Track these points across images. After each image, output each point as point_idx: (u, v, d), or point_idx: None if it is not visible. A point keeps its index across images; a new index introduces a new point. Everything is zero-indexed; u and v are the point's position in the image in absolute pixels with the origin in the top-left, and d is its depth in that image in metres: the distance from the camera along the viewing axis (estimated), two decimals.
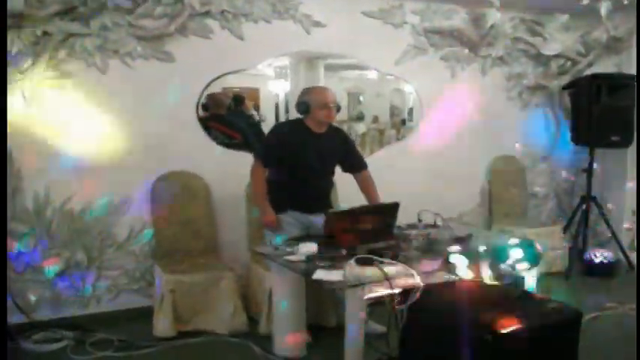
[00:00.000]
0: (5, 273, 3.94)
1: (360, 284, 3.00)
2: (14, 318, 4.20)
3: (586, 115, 5.79)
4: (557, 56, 6.21)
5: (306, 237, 3.78)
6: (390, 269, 3.11)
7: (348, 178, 4.35)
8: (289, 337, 3.77)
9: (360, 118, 11.41)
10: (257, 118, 7.21)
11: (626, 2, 4.87)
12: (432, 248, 3.56)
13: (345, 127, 6.04)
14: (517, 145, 6.36)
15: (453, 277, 3.29)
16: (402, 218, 3.82)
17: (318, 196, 4.12)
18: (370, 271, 3.08)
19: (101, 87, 4.50)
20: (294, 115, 4.23)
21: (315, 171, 4.07)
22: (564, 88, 6.17)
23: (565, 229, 6.01)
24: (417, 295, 2.99)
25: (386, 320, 3.21)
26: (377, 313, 3.63)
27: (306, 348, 3.88)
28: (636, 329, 3.82)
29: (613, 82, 5.76)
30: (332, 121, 4.14)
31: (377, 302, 3.18)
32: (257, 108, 8.09)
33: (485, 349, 2.68)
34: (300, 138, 4.04)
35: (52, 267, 4.41)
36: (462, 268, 3.29)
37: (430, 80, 5.84)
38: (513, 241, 3.66)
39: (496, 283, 3.29)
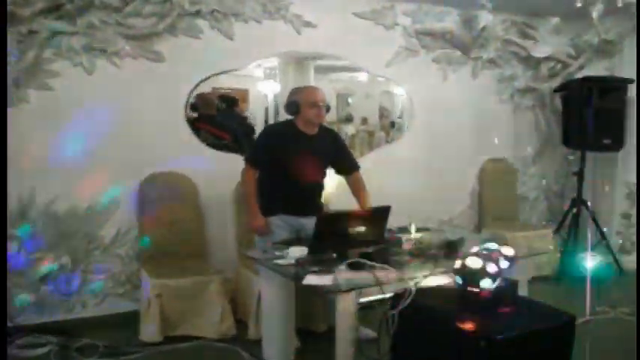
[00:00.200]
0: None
1: (351, 289, 2.94)
2: None
3: (577, 118, 5.78)
4: (547, 59, 6.23)
5: (296, 240, 3.72)
6: (382, 274, 3.05)
7: (338, 180, 4.30)
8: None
9: (348, 119, 11.41)
10: (250, 119, 7.17)
11: (620, 5, 4.86)
12: (424, 252, 3.50)
13: (334, 129, 5.97)
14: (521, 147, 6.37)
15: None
16: (393, 221, 3.76)
17: (308, 199, 4.07)
18: (362, 276, 3.03)
19: (88, 87, 4.43)
20: (284, 117, 4.18)
21: (306, 173, 4.01)
22: (555, 90, 6.17)
23: (555, 233, 5.98)
24: (409, 299, 2.94)
25: (376, 325, 3.15)
26: (367, 317, 3.57)
27: (296, 353, 3.82)
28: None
29: (604, 86, 5.75)
30: (322, 121, 4.09)
31: (367, 306, 3.13)
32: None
33: (479, 355, 2.63)
34: (291, 139, 3.98)
35: (36, 270, 4.33)
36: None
37: (421, 82, 5.82)
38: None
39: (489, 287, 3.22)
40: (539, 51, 6.13)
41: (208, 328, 4.16)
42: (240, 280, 4.54)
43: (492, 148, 6.23)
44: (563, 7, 5.67)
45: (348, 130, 10.28)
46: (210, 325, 4.16)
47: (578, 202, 5.91)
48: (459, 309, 2.87)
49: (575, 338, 2.92)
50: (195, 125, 4.98)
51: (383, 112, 12.89)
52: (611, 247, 5.87)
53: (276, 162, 3.96)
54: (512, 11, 6.03)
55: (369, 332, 3.73)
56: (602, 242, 5.87)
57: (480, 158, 6.20)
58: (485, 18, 5.79)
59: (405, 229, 3.92)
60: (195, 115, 5.30)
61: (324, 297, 3.56)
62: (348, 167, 4.25)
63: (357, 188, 4.23)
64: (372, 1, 5.46)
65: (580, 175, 5.89)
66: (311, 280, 3.03)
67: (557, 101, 6.26)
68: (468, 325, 2.70)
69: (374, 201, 4.13)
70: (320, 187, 4.19)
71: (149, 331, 4.06)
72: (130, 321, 4.30)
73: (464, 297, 2.90)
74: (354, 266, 3.12)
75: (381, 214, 3.62)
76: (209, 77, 4.93)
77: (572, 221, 5.91)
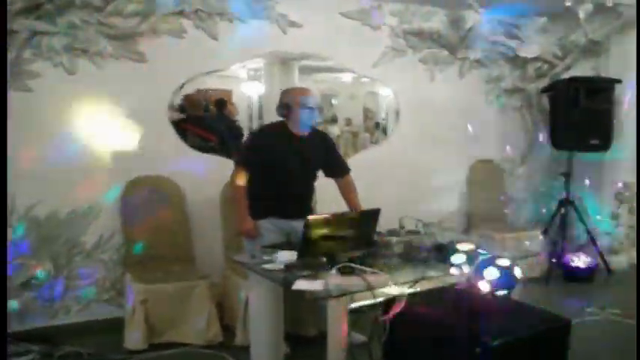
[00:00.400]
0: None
1: (343, 294, 2.87)
2: None
3: (565, 118, 5.77)
4: (534, 59, 6.23)
5: (286, 244, 3.65)
6: (373, 278, 2.99)
7: (327, 183, 4.23)
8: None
9: (333, 120, 11.40)
10: (239, 122, 7.13)
11: (610, 4, 4.85)
12: (414, 255, 3.44)
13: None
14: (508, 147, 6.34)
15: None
16: (382, 224, 3.70)
17: (299, 202, 4.00)
18: (353, 281, 2.96)
19: (69, 88, 4.34)
20: (268, 119, 4.10)
21: (296, 175, 3.95)
22: (542, 91, 6.16)
23: (544, 234, 5.96)
24: (402, 304, 2.88)
25: (367, 328, 3.10)
26: (357, 321, 3.50)
27: (285, 359, 3.75)
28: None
29: (591, 86, 5.74)
30: (315, 123, 4.04)
31: (357, 310, 3.04)
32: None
33: None
34: (281, 141, 3.92)
35: (17, 277, 4.23)
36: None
37: (409, 83, 5.79)
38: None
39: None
40: (527, 51, 6.12)
41: (195, 335, 4.09)
42: (227, 285, 4.47)
43: (480, 149, 6.22)
44: (550, 7, 5.68)
45: (333, 130, 10.27)
46: (196, 332, 4.09)
47: (566, 202, 5.89)
48: (453, 314, 2.83)
49: None
50: (181, 126, 4.89)
51: (367, 113, 12.92)
52: (598, 247, 5.85)
53: (266, 164, 3.89)
54: (498, 11, 5.98)
55: (359, 337, 3.67)
56: (590, 243, 5.85)
57: (467, 159, 6.19)
58: (472, 18, 5.77)
59: (394, 232, 3.87)
60: (182, 116, 5.22)
61: (314, 301, 3.48)
62: (338, 170, 4.19)
63: (347, 191, 4.17)
64: (359, 1, 5.40)
65: (568, 175, 5.88)
66: (301, 285, 2.96)
67: (545, 101, 6.25)
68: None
69: (363, 202, 4.08)
70: (311, 189, 4.13)
71: (134, 338, 3.97)
72: (114, 328, 4.21)
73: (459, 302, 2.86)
74: (344, 271, 3.05)
75: (370, 216, 3.55)
76: (193, 78, 4.85)
77: (560, 222, 5.89)
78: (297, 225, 3.79)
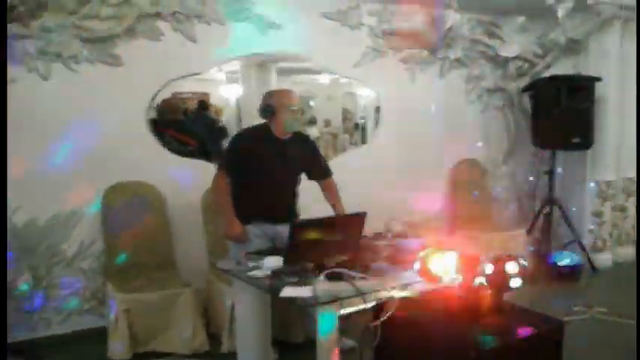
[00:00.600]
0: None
1: (332, 301, 2.80)
2: None
3: (546, 117, 5.76)
4: (515, 58, 6.22)
5: (272, 249, 3.58)
6: (362, 283, 2.92)
7: (309, 187, 4.16)
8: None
9: (312, 122, 11.35)
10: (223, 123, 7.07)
11: (590, 1, 4.85)
12: (402, 258, 3.39)
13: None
14: (479, 144, 6.32)
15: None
16: (366, 227, 3.63)
17: (283, 206, 3.93)
18: (342, 286, 2.90)
19: (44, 93, 4.24)
20: (247, 121, 4.03)
21: (280, 179, 3.88)
22: (524, 90, 6.16)
23: (528, 233, 5.95)
24: (392, 309, 2.83)
25: (355, 333, 3.03)
26: (346, 325, 3.44)
27: None
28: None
29: (572, 84, 5.75)
30: (299, 125, 3.99)
31: (346, 315, 2.97)
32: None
33: None
34: (264, 144, 3.85)
35: None
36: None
37: (390, 83, 5.75)
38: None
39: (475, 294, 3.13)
40: (507, 50, 6.13)
41: (180, 344, 4.00)
42: (212, 292, 4.38)
43: (462, 149, 6.20)
44: (528, 5, 5.69)
45: (313, 132, 10.24)
46: (181, 341, 3.99)
47: (550, 201, 5.89)
48: (446, 318, 2.79)
49: None
50: (158, 129, 4.79)
51: (346, 114, 12.91)
52: (583, 245, 5.87)
53: (249, 168, 3.82)
54: (477, 10, 5.99)
55: (349, 342, 3.62)
56: (574, 241, 5.86)
57: (450, 159, 6.16)
58: (451, 17, 5.75)
59: (380, 235, 3.83)
60: (159, 119, 5.12)
61: (301, 307, 3.42)
62: (321, 172, 4.12)
63: (330, 194, 4.11)
64: (337, 2, 5.35)
65: (551, 174, 5.89)
66: (289, 292, 2.89)
67: (526, 100, 6.25)
68: None
69: (345, 206, 4.04)
70: (295, 193, 4.05)
71: (117, 348, 3.88)
72: (97, 338, 4.13)
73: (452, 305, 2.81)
74: (332, 276, 2.98)
75: (356, 220, 3.49)
76: (171, 81, 4.75)
77: (544, 221, 5.88)
78: (283, 229, 3.72)
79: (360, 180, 5.22)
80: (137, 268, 4.37)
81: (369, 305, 2.89)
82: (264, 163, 3.82)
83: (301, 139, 4.09)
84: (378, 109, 5.97)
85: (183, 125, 5.59)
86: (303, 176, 4.10)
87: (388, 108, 5.79)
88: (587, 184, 6.11)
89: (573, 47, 6.11)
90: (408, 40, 5.76)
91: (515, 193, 6.60)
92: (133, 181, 4.52)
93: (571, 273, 5.55)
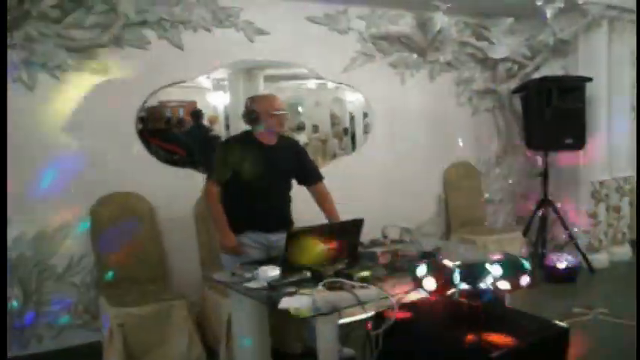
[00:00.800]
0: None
1: (333, 311, 2.73)
2: None
3: (538, 118, 5.73)
4: (504, 60, 6.18)
5: (267, 260, 3.49)
6: (362, 292, 2.85)
7: (300, 193, 4.09)
8: None
9: (300, 128, 11.27)
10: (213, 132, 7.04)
11: (579, 2, 4.82)
12: (401, 265, 3.32)
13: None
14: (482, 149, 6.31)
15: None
16: (362, 234, 3.57)
17: (276, 214, 3.85)
18: (341, 296, 2.83)
19: (30, 104, 4.14)
20: (235, 128, 3.95)
21: (270, 186, 3.80)
22: (514, 91, 6.13)
23: (524, 235, 5.91)
24: (393, 318, 2.75)
25: (354, 342, 2.96)
26: (345, 334, 3.38)
27: None
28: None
29: (563, 85, 5.72)
30: (283, 130, 3.92)
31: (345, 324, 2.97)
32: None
33: None
34: (251, 152, 3.76)
35: None
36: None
37: (379, 87, 5.70)
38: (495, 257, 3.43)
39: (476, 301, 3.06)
40: (496, 52, 6.10)
41: (177, 357, 3.90)
42: (207, 304, 4.29)
43: (455, 152, 6.17)
44: (515, 7, 5.68)
45: (301, 138, 10.14)
46: (178, 354, 3.90)
47: (545, 202, 5.86)
48: (449, 325, 2.71)
49: None
50: (145, 139, 4.70)
51: (334, 120, 12.83)
52: (579, 246, 5.84)
53: (237, 176, 3.73)
54: (465, 13, 5.96)
55: (348, 350, 3.56)
56: (570, 242, 5.83)
57: (443, 163, 6.12)
58: (440, 19, 5.70)
59: (377, 242, 3.76)
60: (144, 128, 5.02)
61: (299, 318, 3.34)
62: (312, 177, 4.05)
63: (322, 199, 4.03)
64: (325, 6, 5.29)
65: (544, 175, 5.86)
66: (287, 303, 2.81)
67: (517, 102, 6.22)
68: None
69: (338, 214, 3.97)
70: (287, 199, 3.97)
71: None
72: (91, 354, 4.04)
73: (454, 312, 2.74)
74: (332, 285, 2.91)
75: (353, 227, 3.42)
76: (159, 90, 4.67)
77: (539, 222, 5.85)
78: (277, 238, 3.67)
79: (351, 186, 5.16)
80: (129, 281, 4.27)
81: (370, 314, 2.82)
82: (252, 170, 3.73)
83: (288, 143, 4.03)
84: (365, 115, 5.90)
85: (168, 134, 5.49)
86: (295, 183, 4.03)
87: (378, 112, 5.73)
88: (580, 184, 6.09)
89: (562, 48, 6.09)
90: (396, 43, 5.71)
91: (509, 195, 6.56)
92: (122, 192, 4.43)
93: (568, 274, 5.51)
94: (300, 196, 4.02)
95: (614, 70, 6.05)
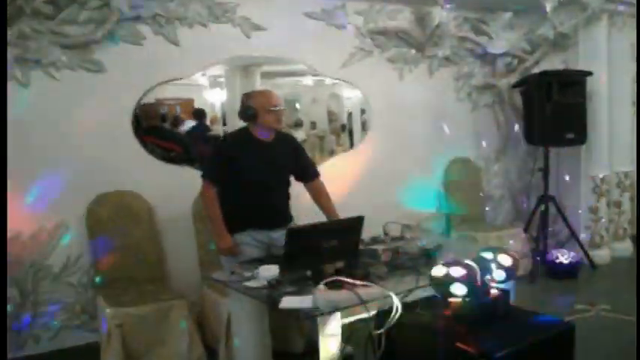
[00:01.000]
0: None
1: (334, 311, 2.67)
2: None
3: (538, 113, 5.67)
4: (503, 54, 6.13)
5: (267, 258, 3.46)
6: (364, 291, 2.80)
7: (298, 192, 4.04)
8: None
9: (298, 124, 11.24)
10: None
11: None
12: (402, 263, 3.27)
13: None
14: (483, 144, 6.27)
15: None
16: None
17: (276, 211, 3.80)
18: (343, 295, 2.77)
19: (24, 102, 4.07)
20: (232, 125, 3.88)
21: (269, 183, 3.75)
22: (514, 86, 6.08)
23: (525, 231, 5.86)
24: (396, 317, 2.70)
25: (355, 341, 3.00)
26: (348, 333, 3.33)
27: None
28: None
29: (563, 79, 5.67)
30: (280, 126, 3.85)
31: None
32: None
33: None
34: (248, 149, 3.71)
35: None
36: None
37: (378, 83, 5.64)
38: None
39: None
40: (495, 47, 6.05)
41: (177, 358, 3.82)
42: (206, 304, 4.24)
43: (454, 147, 6.11)
44: (513, 1, 5.62)
45: (299, 135, 10.09)
46: (178, 355, 3.82)
47: (546, 198, 5.81)
48: (452, 324, 2.66)
49: None
50: (140, 138, 4.64)
51: (331, 116, 12.80)
52: (581, 242, 5.81)
53: (235, 174, 3.68)
54: (463, 7, 5.90)
55: (347, 348, 3.49)
56: (571, 238, 5.79)
57: (442, 158, 6.06)
58: (438, 14, 5.65)
59: (378, 239, 3.71)
60: (138, 126, 4.96)
61: (303, 319, 3.29)
62: (309, 172, 4.00)
63: (319, 196, 3.99)
64: (322, 1, 5.23)
65: (545, 171, 5.81)
66: (288, 303, 2.75)
67: (517, 97, 6.18)
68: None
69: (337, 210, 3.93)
70: (286, 195, 3.92)
71: None
72: (89, 354, 3.99)
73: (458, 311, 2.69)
74: (333, 284, 2.85)
75: (354, 224, 3.36)
76: (155, 86, 4.62)
77: (540, 218, 5.81)
78: (277, 236, 3.62)
79: (350, 183, 5.11)
80: (127, 281, 4.21)
81: (372, 313, 2.78)
82: (250, 167, 3.69)
83: (285, 139, 3.98)
84: (363, 111, 5.85)
85: (164, 131, 5.42)
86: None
87: (377, 108, 5.67)
88: (581, 180, 6.04)
89: (562, 42, 6.04)
90: (395, 39, 5.65)
91: (509, 191, 6.51)
92: (119, 191, 4.37)
93: (570, 270, 5.47)
94: (304, 194, 3.99)
95: (614, 65, 6.00)
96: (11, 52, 3.97)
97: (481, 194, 6.26)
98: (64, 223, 4.24)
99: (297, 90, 11.60)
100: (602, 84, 5.90)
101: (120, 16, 4.29)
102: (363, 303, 2.72)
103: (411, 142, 5.78)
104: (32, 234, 4.14)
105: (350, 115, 11.52)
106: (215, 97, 10.24)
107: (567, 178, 6.13)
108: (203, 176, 3.79)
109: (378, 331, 2.81)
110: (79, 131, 4.28)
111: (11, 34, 3.94)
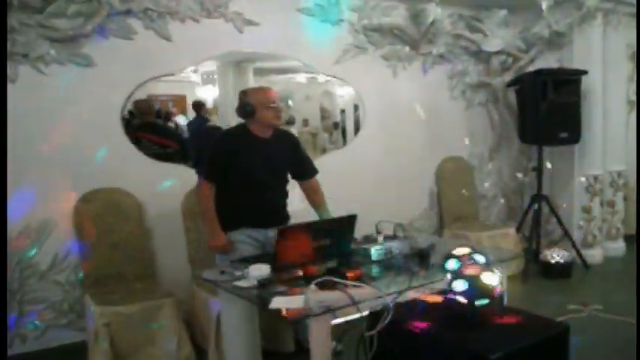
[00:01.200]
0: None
1: (326, 312, 2.62)
2: None
3: (533, 112, 5.63)
4: (498, 53, 6.10)
5: (262, 256, 3.40)
6: (356, 291, 2.75)
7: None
8: None
9: (290, 122, 11.16)
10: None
11: None
12: (394, 263, 3.22)
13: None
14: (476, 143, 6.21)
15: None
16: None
17: (272, 209, 3.77)
18: (335, 295, 2.72)
19: (11, 97, 3.95)
20: (225, 123, 3.83)
21: (266, 180, 3.71)
22: (509, 85, 6.05)
23: (517, 231, 5.82)
24: (388, 318, 2.65)
25: (341, 337, 2.98)
26: (338, 333, 3.29)
27: None
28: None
29: (558, 78, 5.63)
30: (279, 123, 3.80)
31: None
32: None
33: None
34: (245, 145, 3.66)
35: None
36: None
37: (371, 80, 5.61)
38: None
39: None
40: (490, 45, 6.01)
41: (165, 357, 3.78)
42: (196, 302, 4.18)
43: (448, 146, 6.09)
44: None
45: (292, 132, 10.03)
46: (166, 354, 3.78)
47: (539, 197, 5.78)
48: (447, 326, 2.62)
49: None
50: (134, 135, 4.57)
51: (324, 114, 12.74)
52: (574, 242, 5.78)
53: (232, 171, 3.63)
54: (458, 5, 5.88)
55: (336, 345, 3.45)
56: (564, 237, 5.76)
57: (435, 157, 6.03)
58: (433, 11, 5.61)
59: (370, 238, 3.66)
60: (133, 123, 4.89)
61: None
62: (307, 170, 3.96)
63: (313, 194, 3.96)
64: None
65: (539, 170, 5.77)
66: (279, 303, 2.70)
67: (511, 95, 6.15)
68: None
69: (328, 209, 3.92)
70: (284, 193, 3.88)
71: None
72: (76, 353, 3.94)
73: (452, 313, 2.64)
74: (324, 284, 2.80)
75: (347, 223, 3.32)
76: (147, 81, 4.55)
77: (533, 217, 5.78)
78: (273, 234, 3.55)
79: (342, 181, 5.06)
80: (116, 279, 4.16)
81: (364, 314, 2.73)
82: (248, 164, 3.64)
83: (283, 135, 3.93)
84: (356, 108, 5.80)
85: (158, 127, 5.35)
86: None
87: (370, 106, 5.63)
88: (575, 179, 6.01)
89: (557, 41, 6.00)
90: (389, 36, 5.60)
91: (502, 190, 6.48)
92: (108, 188, 4.31)
93: (562, 270, 5.43)
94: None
95: (609, 64, 5.97)
96: None
97: (474, 194, 6.22)
98: (51, 221, 4.17)
99: (290, 87, 11.54)
100: (596, 83, 5.86)
101: (110, 9, 4.23)
102: (355, 304, 2.67)
103: (404, 140, 5.75)
104: (19, 231, 4.07)
105: (343, 112, 11.47)
106: (207, 94, 10.17)
107: (561, 177, 6.08)
108: (199, 173, 3.74)
109: (370, 333, 2.76)
110: (67, 127, 4.20)
111: None
